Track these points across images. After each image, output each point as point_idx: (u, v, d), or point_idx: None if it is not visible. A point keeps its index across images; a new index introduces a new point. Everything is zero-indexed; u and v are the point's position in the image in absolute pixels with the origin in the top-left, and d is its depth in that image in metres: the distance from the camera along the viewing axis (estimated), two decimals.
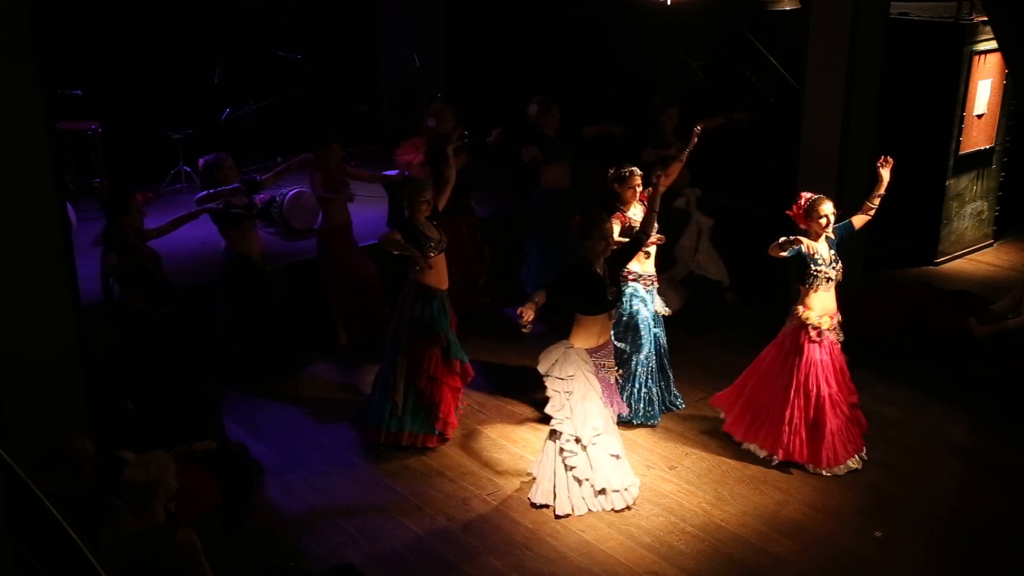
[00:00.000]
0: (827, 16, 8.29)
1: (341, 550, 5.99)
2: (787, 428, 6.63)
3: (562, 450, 6.32)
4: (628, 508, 6.36)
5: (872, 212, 6.67)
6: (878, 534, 6.11)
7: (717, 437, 7.14)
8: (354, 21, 12.22)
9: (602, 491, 6.34)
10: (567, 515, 6.31)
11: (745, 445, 6.92)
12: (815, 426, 6.61)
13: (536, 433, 7.26)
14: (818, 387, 6.56)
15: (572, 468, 6.32)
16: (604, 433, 6.32)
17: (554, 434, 6.38)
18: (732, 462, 6.86)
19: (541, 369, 6.35)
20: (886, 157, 6.60)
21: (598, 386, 6.35)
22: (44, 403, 5.94)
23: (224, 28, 11.11)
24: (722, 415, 7.09)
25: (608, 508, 6.36)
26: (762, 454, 6.83)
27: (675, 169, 7.57)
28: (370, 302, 8.50)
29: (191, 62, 10.81)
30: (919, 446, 7.00)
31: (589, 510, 6.35)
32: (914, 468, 6.76)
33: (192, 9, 10.89)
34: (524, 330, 6.04)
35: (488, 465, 6.91)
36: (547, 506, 6.39)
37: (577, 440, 6.27)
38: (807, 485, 6.58)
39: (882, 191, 6.61)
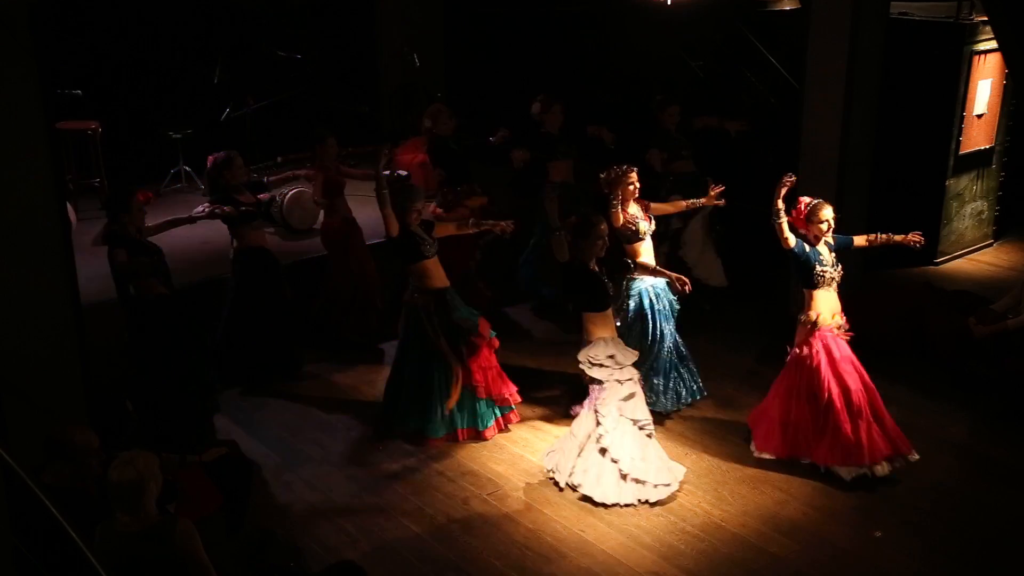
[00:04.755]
0: (827, 16, 8.29)
1: (341, 550, 5.98)
2: (863, 429, 6.50)
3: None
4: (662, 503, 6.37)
5: (875, 245, 6.72)
6: (878, 534, 6.11)
7: (717, 437, 7.14)
8: (354, 21, 12.23)
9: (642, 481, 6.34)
10: (613, 504, 6.29)
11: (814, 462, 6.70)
12: (876, 416, 6.55)
13: (536, 433, 7.27)
14: (850, 382, 6.49)
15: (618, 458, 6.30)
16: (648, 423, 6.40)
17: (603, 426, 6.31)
18: (732, 462, 6.86)
19: (600, 363, 6.28)
20: (920, 236, 6.67)
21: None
22: (44, 402, 5.94)
23: (224, 28, 11.11)
24: (765, 454, 6.85)
25: (643, 499, 6.33)
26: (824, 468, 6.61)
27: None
28: (365, 297, 8.48)
29: (190, 62, 10.83)
30: (919, 446, 6.98)
31: (637, 500, 6.31)
32: (913, 468, 6.75)
33: (192, 9, 10.89)
34: None
35: (488, 465, 6.91)
36: (590, 498, 6.37)
37: (641, 426, 6.30)
38: (807, 485, 6.57)
39: (896, 240, 6.64)
